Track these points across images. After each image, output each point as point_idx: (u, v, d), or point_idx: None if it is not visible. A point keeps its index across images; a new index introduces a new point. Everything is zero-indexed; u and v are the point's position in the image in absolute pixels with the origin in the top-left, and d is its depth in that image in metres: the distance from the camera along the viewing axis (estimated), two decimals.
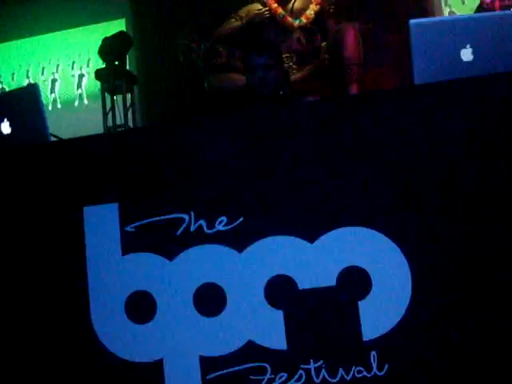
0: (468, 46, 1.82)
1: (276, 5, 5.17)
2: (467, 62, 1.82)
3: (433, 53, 1.82)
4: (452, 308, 1.61)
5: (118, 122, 5.22)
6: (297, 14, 5.16)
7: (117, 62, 5.08)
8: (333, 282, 1.65)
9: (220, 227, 1.70)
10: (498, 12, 3.58)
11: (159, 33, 5.80)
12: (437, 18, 3.36)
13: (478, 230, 1.62)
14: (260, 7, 5.22)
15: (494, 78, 1.71)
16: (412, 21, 1.81)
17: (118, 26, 6.34)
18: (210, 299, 1.70)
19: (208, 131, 1.79)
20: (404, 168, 1.67)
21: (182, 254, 1.72)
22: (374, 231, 1.65)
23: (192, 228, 1.72)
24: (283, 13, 5.13)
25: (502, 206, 1.62)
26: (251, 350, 1.65)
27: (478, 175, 1.64)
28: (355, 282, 1.64)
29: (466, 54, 1.82)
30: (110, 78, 5.13)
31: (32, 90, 2.02)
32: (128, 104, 5.16)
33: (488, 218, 1.62)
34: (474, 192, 1.63)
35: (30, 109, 2.01)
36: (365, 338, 1.62)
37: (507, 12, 3.21)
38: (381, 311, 1.63)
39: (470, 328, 1.60)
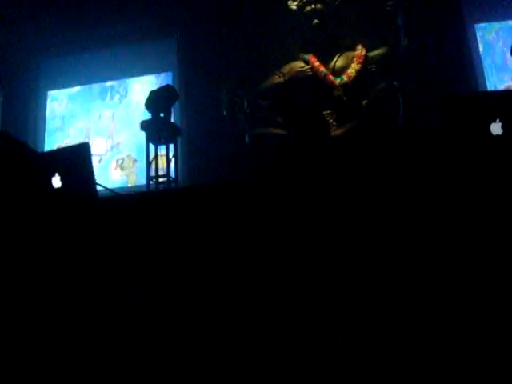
0: (498, 120, 1.86)
1: (318, 63, 5.27)
2: (497, 136, 1.87)
3: (463, 126, 1.87)
4: None
5: (161, 171, 5.34)
6: (338, 72, 5.24)
7: (162, 114, 5.21)
8: None
9: None
10: None
11: (204, 87, 6.00)
12: (467, 93, 3.39)
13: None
14: (303, 65, 5.34)
15: None
16: (442, 95, 1.87)
17: (164, 79, 6.59)
18: None
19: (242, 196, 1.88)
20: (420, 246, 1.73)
21: None
22: None
23: None
24: (325, 71, 5.22)
25: None
26: None
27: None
28: None
29: (496, 128, 1.88)
30: (155, 129, 5.26)
31: (83, 148, 2.14)
32: (171, 155, 5.28)
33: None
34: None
35: (80, 165, 2.12)
36: None
37: None
38: None
39: None
